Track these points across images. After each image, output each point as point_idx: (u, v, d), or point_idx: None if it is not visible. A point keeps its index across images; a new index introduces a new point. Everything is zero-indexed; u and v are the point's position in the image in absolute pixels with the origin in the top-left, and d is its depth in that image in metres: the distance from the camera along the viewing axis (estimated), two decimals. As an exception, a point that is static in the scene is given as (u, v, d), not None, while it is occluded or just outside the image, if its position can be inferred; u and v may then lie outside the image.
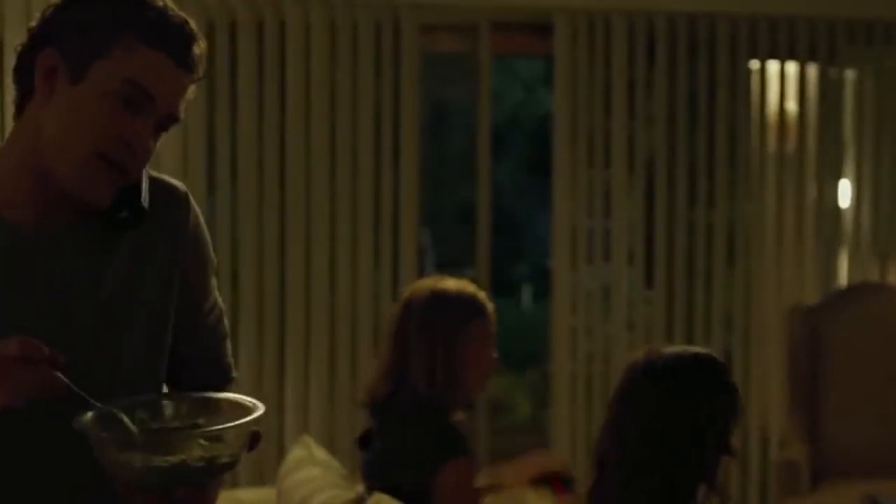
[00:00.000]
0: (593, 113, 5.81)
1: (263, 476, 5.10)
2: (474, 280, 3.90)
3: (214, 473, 1.76)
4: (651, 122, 5.90)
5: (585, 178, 5.84)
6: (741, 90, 5.97)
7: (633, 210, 5.91)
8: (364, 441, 3.45)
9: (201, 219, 2.13)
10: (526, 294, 12.89)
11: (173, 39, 1.86)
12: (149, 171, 2.04)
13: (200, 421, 1.83)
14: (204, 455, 1.71)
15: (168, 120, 1.96)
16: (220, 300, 2.17)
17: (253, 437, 1.82)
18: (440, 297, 3.39)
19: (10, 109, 1.95)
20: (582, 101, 5.77)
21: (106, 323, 1.95)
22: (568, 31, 5.70)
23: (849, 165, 6.21)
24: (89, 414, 1.75)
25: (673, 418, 2.90)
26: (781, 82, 6.05)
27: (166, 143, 5.00)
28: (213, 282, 2.16)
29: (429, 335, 3.35)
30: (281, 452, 5.09)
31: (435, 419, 3.30)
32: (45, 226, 1.91)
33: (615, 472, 2.86)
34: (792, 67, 6.05)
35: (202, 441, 1.72)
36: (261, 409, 1.81)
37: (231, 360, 2.19)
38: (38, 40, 1.88)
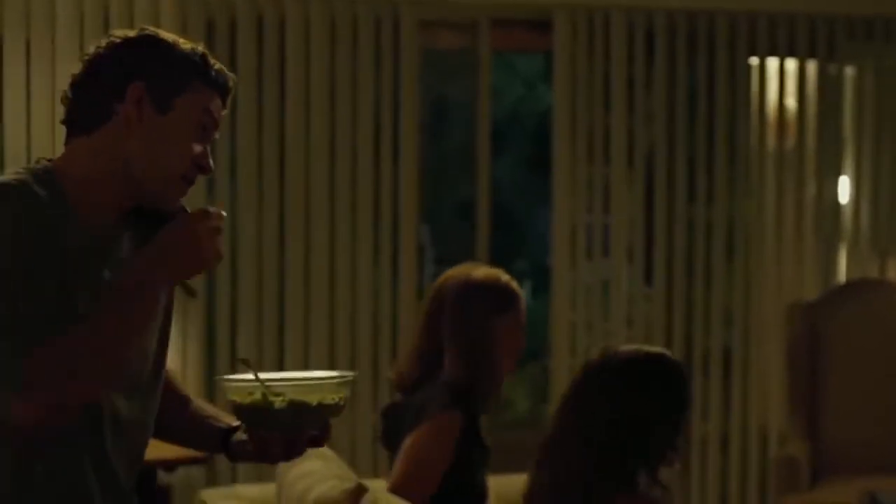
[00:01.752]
0: (593, 109, 5.81)
1: (262, 473, 5.10)
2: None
3: (331, 413, 2.25)
4: (650, 118, 5.91)
5: (585, 174, 5.84)
6: (740, 87, 5.98)
7: (633, 206, 5.91)
8: (387, 413, 3.54)
9: None
10: (525, 290, 12.86)
11: (223, 84, 2.32)
12: None
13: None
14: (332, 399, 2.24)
15: (214, 135, 2.34)
16: None
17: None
18: (474, 286, 3.41)
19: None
20: (581, 98, 5.77)
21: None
22: (567, 27, 5.71)
23: (848, 162, 6.21)
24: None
25: (622, 412, 3.15)
26: (781, 79, 6.06)
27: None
28: None
29: (462, 324, 3.38)
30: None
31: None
32: (115, 227, 2.26)
33: (558, 460, 3.10)
34: (791, 64, 6.05)
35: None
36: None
37: None
38: (118, 73, 2.24)
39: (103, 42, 2.29)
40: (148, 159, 2.24)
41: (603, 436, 3.14)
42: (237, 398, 2.23)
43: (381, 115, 5.48)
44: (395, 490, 3.15)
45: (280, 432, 2.25)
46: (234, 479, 5.18)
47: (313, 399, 2.22)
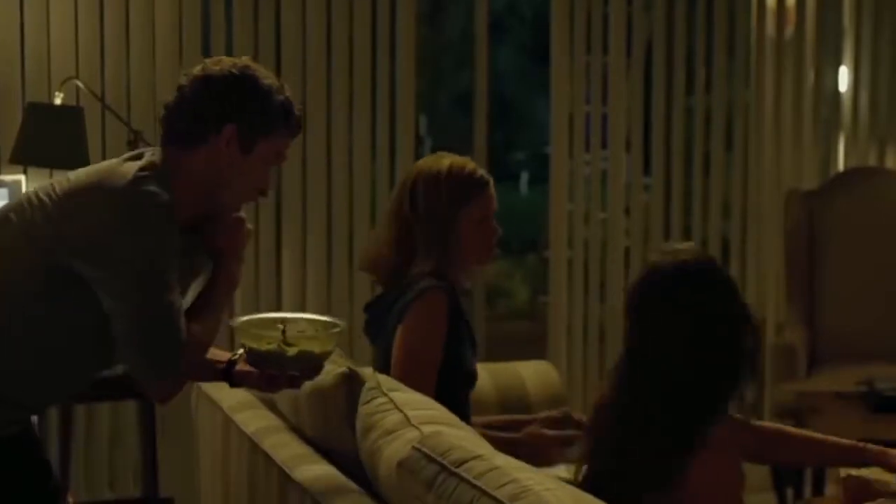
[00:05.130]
0: (591, -1, 5.76)
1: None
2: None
3: (327, 358, 2.78)
4: (649, 6, 5.85)
5: (583, 63, 5.81)
6: (740, -27, 5.92)
7: (631, 96, 5.89)
8: (369, 306, 3.54)
9: None
10: (523, 181, 12.89)
11: (298, 127, 2.82)
12: None
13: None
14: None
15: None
16: None
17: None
18: (440, 176, 3.40)
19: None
20: (580, -14, 5.73)
21: None
22: (566, -87, 5.65)
23: (847, 50, 6.18)
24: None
25: (695, 326, 2.92)
26: (781, -34, 6.01)
27: (159, 29, 4.95)
28: None
29: (428, 214, 3.38)
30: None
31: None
32: (189, 230, 2.75)
33: (643, 385, 2.90)
34: (792, -50, 6.00)
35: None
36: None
37: None
38: (218, 111, 2.70)
39: (205, 71, 2.73)
40: (227, 188, 2.76)
41: (681, 358, 2.89)
42: (255, 345, 2.68)
43: (377, 6, 5.43)
44: (401, 376, 3.16)
45: (282, 370, 2.72)
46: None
47: (317, 347, 2.72)
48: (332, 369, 2.98)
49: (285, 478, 2.93)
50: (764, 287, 6.05)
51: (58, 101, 4.72)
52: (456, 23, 12.00)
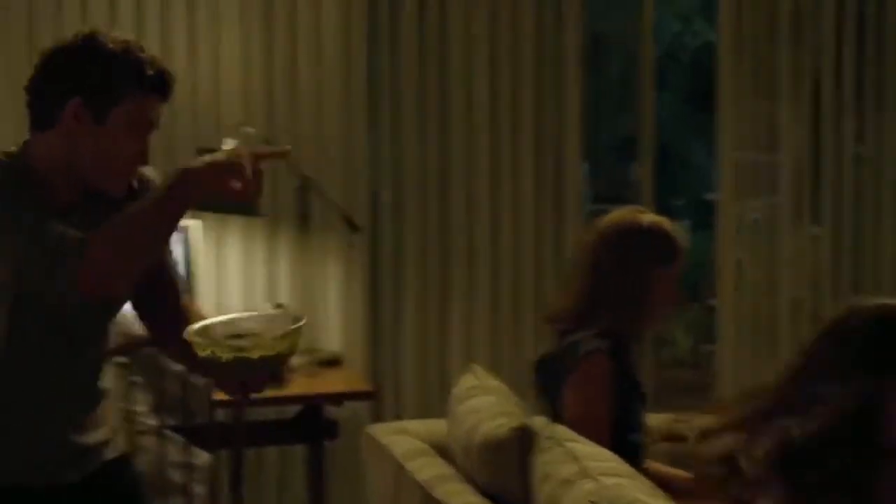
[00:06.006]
0: (758, 43, 5.69)
1: (428, 409, 5.14)
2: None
3: (282, 362, 2.51)
4: (819, 50, 5.75)
5: (750, 109, 5.74)
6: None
7: (799, 141, 5.79)
8: (538, 366, 3.52)
9: None
10: (684, 227, 12.72)
11: (162, 86, 2.59)
12: None
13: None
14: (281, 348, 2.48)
15: (153, 130, 2.64)
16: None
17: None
18: (640, 233, 3.39)
19: None
20: (747, 31, 5.66)
21: None
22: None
23: None
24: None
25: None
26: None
27: (327, 79, 5.00)
28: None
29: (623, 269, 3.36)
30: (444, 384, 5.13)
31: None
32: (75, 206, 2.61)
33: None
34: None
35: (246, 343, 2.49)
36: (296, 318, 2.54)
37: (181, 277, 2.91)
38: (59, 88, 2.54)
39: (50, 49, 2.59)
40: (89, 162, 2.58)
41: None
42: (198, 351, 2.49)
43: (543, 51, 5.42)
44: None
45: (228, 379, 2.57)
46: (398, 414, 5.23)
47: (257, 353, 2.48)
48: (507, 421, 2.99)
49: (458, 526, 2.92)
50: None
51: (227, 147, 4.77)
52: (614, 67, 11.98)
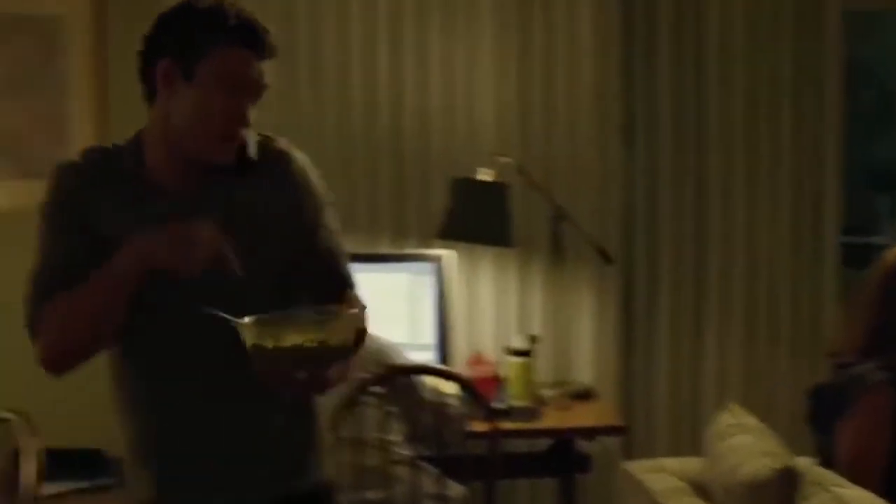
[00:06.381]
0: None
1: (681, 447, 5.05)
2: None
3: (326, 358, 2.36)
4: None
5: None
6: None
7: None
8: (814, 393, 3.49)
9: (307, 166, 2.69)
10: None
11: (250, 37, 2.49)
12: (254, 133, 2.63)
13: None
14: (316, 338, 2.32)
15: (259, 92, 2.54)
16: (333, 225, 2.72)
17: (358, 335, 2.39)
18: None
19: None
20: None
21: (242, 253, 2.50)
22: None
23: None
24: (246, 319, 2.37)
25: None
26: None
27: (583, 109, 4.96)
28: (326, 213, 2.71)
29: None
30: (696, 422, 5.03)
31: None
32: (188, 188, 2.56)
33: None
34: None
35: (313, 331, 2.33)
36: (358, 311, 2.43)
37: (348, 272, 2.72)
38: (152, 51, 2.52)
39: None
40: (184, 124, 2.51)
41: None
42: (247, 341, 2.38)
43: (801, 78, 5.27)
44: (847, 471, 3.06)
45: (272, 369, 2.39)
46: (651, 450, 5.14)
47: (289, 342, 2.34)
48: (770, 462, 2.92)
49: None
50: None
51: (484, 177, 4.78)
52: (866, 92, 11.68)
